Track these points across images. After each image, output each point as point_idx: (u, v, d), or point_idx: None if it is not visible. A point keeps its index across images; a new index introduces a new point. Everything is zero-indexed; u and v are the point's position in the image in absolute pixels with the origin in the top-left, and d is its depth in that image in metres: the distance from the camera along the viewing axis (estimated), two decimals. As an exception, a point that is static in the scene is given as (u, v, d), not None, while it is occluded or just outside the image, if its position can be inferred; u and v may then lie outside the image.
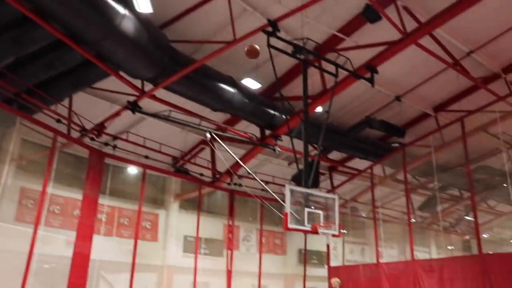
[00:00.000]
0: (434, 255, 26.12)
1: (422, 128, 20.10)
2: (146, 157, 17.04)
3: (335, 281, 12.36)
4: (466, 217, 26.60)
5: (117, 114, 14.92)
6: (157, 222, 18.91)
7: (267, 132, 17.30)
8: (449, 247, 28.47)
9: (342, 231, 22.04)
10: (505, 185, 19.61)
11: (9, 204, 14.68)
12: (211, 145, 14.97)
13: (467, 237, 29.92)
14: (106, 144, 16.33)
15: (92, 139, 15.37)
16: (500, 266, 16.33)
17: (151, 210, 18.75)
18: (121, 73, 13.15)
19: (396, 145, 20.92)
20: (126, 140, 16.56)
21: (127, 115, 15.08)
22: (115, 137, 16.31)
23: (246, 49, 11.23)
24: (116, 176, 17.29)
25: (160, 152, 17.42)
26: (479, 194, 22.60)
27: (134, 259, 16.23)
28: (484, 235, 26.72)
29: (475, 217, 18.15)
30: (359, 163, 21.53)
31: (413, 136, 20.11)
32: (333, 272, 21.77)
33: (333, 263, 22.48)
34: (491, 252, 18.69)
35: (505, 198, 21.46)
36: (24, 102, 12.96)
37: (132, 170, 17.99)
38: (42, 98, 13.25)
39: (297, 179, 17.21)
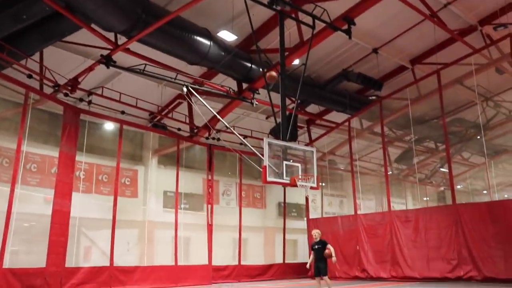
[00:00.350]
0: (410, 206, 26.74)
1: (399, 81, 20.23)
2: (123, 112, 16.80)
3: (316, 232, 12.49)
4: (441, 169, 27.18)
5: (90, 68, 14.61)
6: (136, 178, 18.86)
7: (244, 85, 17.19)
8: (424, 198, 29.19)
9: (320, 183, 22.51)
10: (478, 137, 20.02)
11: (-17, 162, 14.48)
12: (188, 99, 14.85)
13: (442, 188, 30.68)
14: (81, 100, 16.03)
15: (66, 94, 15.07)
16: (471, 215, 16.89)
17: (129, 166, 18.67)
18: (93, 26, 12.81)
19: (373, 98, 21.06)
20: (102, 96, 16.28)
21: (101, 69, 14.80)
22: (90, 93, 16.00)
23: (267, 75, 12.60)
24: (93, 132, 17.06)
25: (136, 107, 17.20)
26: (454, 146, 23.02)
27: (115, 216, 16.26)
28: (458, 186, 27.41)
29: (450, 168, 18.57)
30: (336, 116, 21.65)
31: (390, 89, 20.24)
32: (312, 224, 22.21)
33: (312, 216, 22.90)
34: (464, 202, 19.23)
35: (478, 150, 21.96)
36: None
37: (109, 126, 17.78)
38: (11, 53, 12.85)
39: (275, 133, 17.31)
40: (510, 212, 15.94)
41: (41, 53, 14.27)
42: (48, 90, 14.90)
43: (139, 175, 18.85)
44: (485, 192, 27.53)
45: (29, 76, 13.71)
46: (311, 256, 12.45)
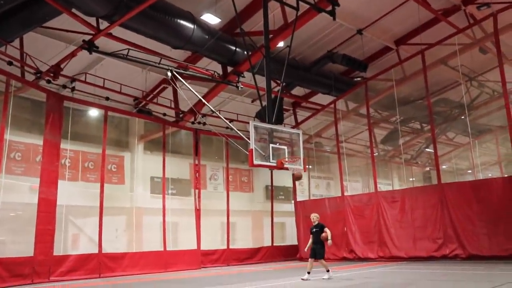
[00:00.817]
0: (397, 187, 26.98)
1: (384, 62, 20.29)
2: (107, 98, 16.64)
3: (314, 216, 12.99)
4: (427, 149, 27.39)
5: (73, 54, 14.39)
6: (123, 164, 18.78)
7: (229, 69, 17.10)
8: (410, 179, 29.45)
9: (307, 166, 22.58)
10: (463, 117, 20.18)
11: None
12: (173, 83, 14.75)
13: (428, 168, 30.97)
14: (64, 86, 15.84)
15: (48, 81, 14.84)
16: (456, 194, 17.13)
17: (115, 152, 18.56)
18: (74, 11, 12.59)
19: (359, 79, 21.09)
20: (85, 82, 16.09)
21: (84, 55, 14.57)
22: (73, 79, 15.79)
23: (293, 174, 13.30)
24: (77, 119, 16.90)
25: (120, 93, 17.03)
26: (439, 127, 23.20)
27: (102, 203, 16.19)
28: (443, 166, 27.65)
29: (435, 149, 18.74)
30: (322, 99, 21.68)
31: (375, 70, 20.28)
32: (299, 206, 22.37)
33: (299, 198, 23.04)
34: (449, 182, 19.45)
35: (463, 130, 22.14)
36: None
37: (93, 113, 17.61)
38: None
39: (261, 116, 17.29)
40: (494, 190, 16.18)
41: (21, 39, 14.02)
42: (29, 77, 14.68)
43: (125, 162, 18.76)
44: (469, 171, 27.85)
45: (10, 63, 13.49)
46: (310, 239, 12.76)
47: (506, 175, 22.43)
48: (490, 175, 26.15)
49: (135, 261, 16.71)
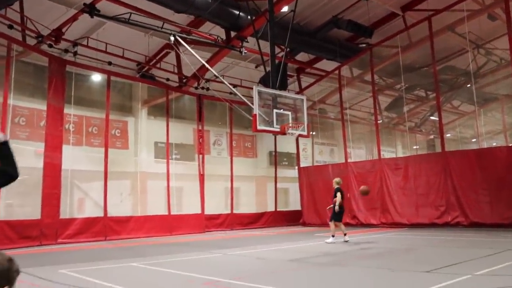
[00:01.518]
0: (400, 155, 27.00)
1: (389, 28, 19.95)
2: (110, 63, 16.54)
3: (334, 180, 13.90)
4: (431, 117, 27.27)
5: (74, 18, 14.24)
6: (126, 129, 18.79)
7: (233, 34, 16.90)
8: (414, 147, 29.42)
9: (311, 132, 22.57)
10: (469, 85, 19.98)
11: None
12: (176, 48, 14.62)
13: (432, 136, 30.89)
14: (66, 51, 15.70)
15: (50, 46, 14.73)
16: (460, 162, 17.13)
17: (119, 117, 18.56)
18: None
19: (364, 45, 20.82)
20: (87, 46, 15.95)
21: (86, 19, 14.43)
22: (75, 43, 15.64)
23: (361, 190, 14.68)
24: (80, 84, 16.82)
25: (123, 57, 16.91)
26: (444, 95, 23.01)
27: (106, 167, 16.32)
28: (448, 135, 27.58)
29: (440, 117, 18.63)
30: (326, 65, 21.47)
31: (381, 36, 19.98)
32: (303, 172, 22.47)
33: (303, 164, 23.13)
34: (453, 150, 19.44)
35: (468, 98, 21.94)
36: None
37: (96, 78, 17.54)
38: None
39: (265, 82, 17.15)
40: (498, 159, 16.16)
41: (21, 2, 13.82)
42: (31, 42, 14.54)
43: (129, 127, 18.76)
44: (474, 140, 27.78)
45: (10, 27, 13.36)
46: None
47: (510, 144, 22.34)
48: (494, 144, 26.10)
49: (140, 224, 16.95)
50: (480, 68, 20.93)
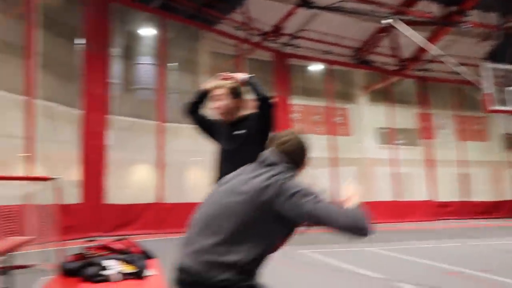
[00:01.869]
0: None
1: None
2: (327, 52, 16.94)
3: None
4: None
5: (291, 13, 14.90)
6: (348, 116, 18.93)
7: (451, 9, 15.55)
8: None
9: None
10: None
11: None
12: (392, 31, 14.12)
13: None
14: (286, 44, 16.54)
15: (272, 41, 15.70)
16: None
17: (340, 105, 18.78)
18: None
19: None
20: (305, 38, 16.74)
21: (301, 13, 15.02)
22: (294, 37, 16.36)
23: None
24: (302, 75, 17.66)
25: (339, 45, 17.24)
26: None
27: (335, 154, 17.10)
28: None
29: None
30: None
31: None
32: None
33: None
34: None
35: None
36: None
37: (315, 67, 18.17)
38: (220, 9, 13.82)
39: (492, 57, 15.50)
40: None
41: (244, 4, 15.01)
42: (255, 39, 15.76)
43: (350, 113, 18.89)
44: None
45: (237, 28, 14.62)
46: None
47: None
48: None
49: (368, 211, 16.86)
50: None
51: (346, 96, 19.04)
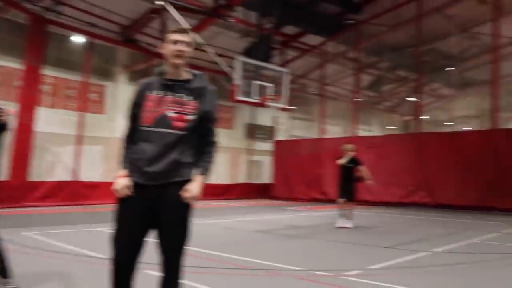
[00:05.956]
0: (376, 134, 27.25)
1: (378, 6, 19.80)
2: (92, 25, 16.19)
3: (349, 147, 10.88)
4: (409, 98, 27.54)
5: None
6: (104, 94, 18.48)
7: (221, 1, 16.60)
8: (390, 127, 29.77)
9: (290, 107, 22.61)
10: (450, 68, 20.18)
11: None
12: (163, 13, 14.29)
13: (408, 117, 31.24)
14: (48, 9, 15.25)
15: (32, 3, 14.32)
16: (433, 144, 17.46)
17: (98, 81, 18.20)
18: None
19: (351, 22, 20.68)
20: (70, 6, 15.54)
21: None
22: (57, 2, 15.20)
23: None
24: (60, 45, 16.46)
25: (107, 19, 16.55)
26: (425, 77, 23.21)
27: (81, 131, 16.24)
28: (424, 116, 27.94)
29: (418, 98, 18.85)
30: (312, 39, 21.31)
31: (369, 14, 19.87)
32: (278, 146, 22.59)
33: (279, 138, 23.23)
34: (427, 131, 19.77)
35: (448, 82, 22.21)
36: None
37: (77, 39, 17.13)
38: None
39: (248, 53, 17.05)
40: (468, 143, 16.55)
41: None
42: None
43: (107, 91, 18.44)
44: (448, 123, 28.22)
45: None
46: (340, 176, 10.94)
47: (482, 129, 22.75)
48: (467, 128, 26.54)
49: (110, 190, 16.76)
50: (463, 53, 21.11)
51: (106, 73, 18.57)
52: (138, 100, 3.00)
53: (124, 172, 2.94)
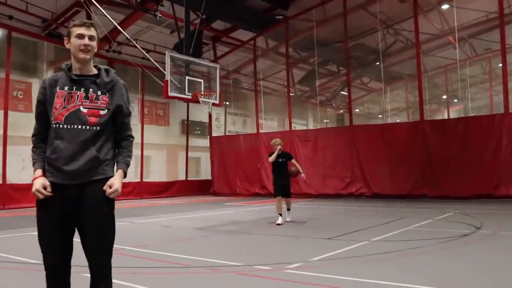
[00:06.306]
0: (311, 127, 27.77)
1: (305, 2, 20.13)
2: (11, 17, 15.33)
3: (277, 141, 10.30)
4: (341, 92, 28.25)
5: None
6: (30, 91, 17.63)
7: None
8: (324, 120, 30.44)
9: (224, 102, 22.56)
10: (377, 63, 20.86)
11: None
12: (86, 7, 13.83)
13: (341, 111, 32.10)
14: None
15: None
16: (366, 136, 17.97)
17: (22, 78, 17.34)
18: None
19: (280, 17, 20.91)
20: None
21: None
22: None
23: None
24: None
25: (27, 12, 15.72)
26: (355, 71, 23.86)
27: (6, 131, 15.30)
28: (356, 110, 28.77)
29: (349, 92, 19.38)
30: (242, 34, 21.35)
31: (297, 10, 20.15)
32: (215, 142, 22.48)
33: (215, 134, 23.13)
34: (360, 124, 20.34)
35: (377, 76, 22.93)
36: None
37: (-4, 33, 16.23)
38: None
39: (179, 48, 16.78)
40: (399, 135, 17.16)
41: None
42: None
43: (33, 88, 17.61)
44: (380, 116, 29.23)
45: None
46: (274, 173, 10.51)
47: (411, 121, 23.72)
48: (398, 120, 27.60)
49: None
50: (388, 48, 21.87)
51: (29, 69, 17.69)
52: (46, 98, 2.85)
53: (39, 172, 2.81)
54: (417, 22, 17.18)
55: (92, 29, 2.89)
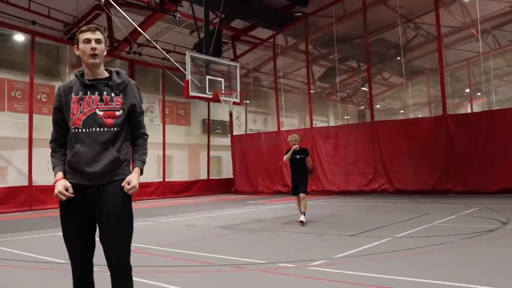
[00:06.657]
0: (332, 124, 27.63)
1: (325, -2, 20.05)
2: (34, 22, 15.59)
3: (294, 137, 9.88)
4: (362, 88, 28.04)
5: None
6: (53, 94, 17.94)
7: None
8: (345, 117, 30.26)
9: (244, 101, 22.58)
10: (398, 58, 20.63)
11: None
12: (107, 10, 13.99)
13: (362, 107, 31.86)
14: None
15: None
16: (387, 132, 17.81)
17: (45, 81, 17.64)
18: None
19: (299, 14, 20.84)
20: (10, 3, 14.90)
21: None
22: (-3, 0, 14.59)
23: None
24: (1, 45, 15.79)
25: (49, 17, 15.97)
26: (375, 66, 23.66)
27: (31, 134, 15.59)
28: (377, 105, 28.54)
29: (370, 88, 19.23)
30: (262, 33, 21.33)
31: (316, 6, 20.06)
32: (236, 140, 22.53)
33: (236, 132, 23.18)
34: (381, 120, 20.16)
35: (397, 71, 22.69)
36: None
37: (19, 38, 16.50)
38: None
39: (199, 48, 16.86)
40: (422, 130, 16.95)
41: None
42: None
43: (56, 91, 17.89)
44: (401, 111, 28.93)
45: None
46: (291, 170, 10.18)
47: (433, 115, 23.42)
48: (420, 115, 27.28)
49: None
50: (409, 42, 21.61)
51: (52, 73, 17.99)
52: (62, 105, 2.95)
53: (60, 175, 2.89)
54: (438, 15, 16.94)
55: (98, 32, 2.96)
